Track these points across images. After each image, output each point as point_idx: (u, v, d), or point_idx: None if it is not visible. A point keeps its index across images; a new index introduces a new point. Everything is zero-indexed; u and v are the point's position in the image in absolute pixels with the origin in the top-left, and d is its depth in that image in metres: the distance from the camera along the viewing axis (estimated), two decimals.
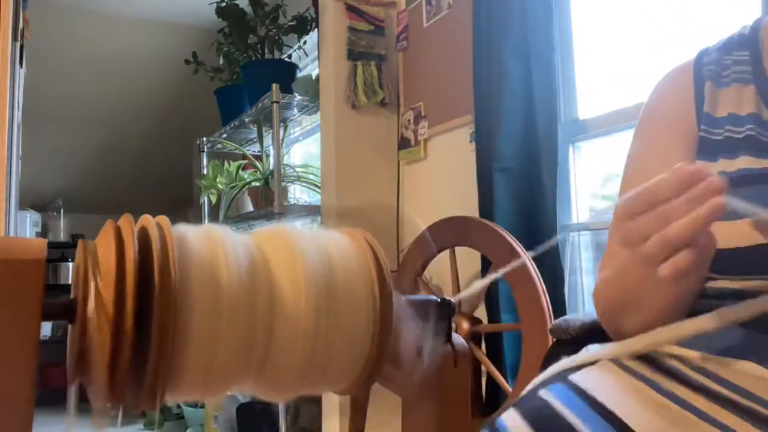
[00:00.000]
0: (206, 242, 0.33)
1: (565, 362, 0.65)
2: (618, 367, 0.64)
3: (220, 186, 3.07)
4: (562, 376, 0.63)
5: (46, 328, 3.95)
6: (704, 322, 0.59)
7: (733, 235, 0.61)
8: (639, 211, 0.52)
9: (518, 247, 1.50)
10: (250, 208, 2.98)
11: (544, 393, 0.60)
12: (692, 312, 0.63)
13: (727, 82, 0.73)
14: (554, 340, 1.11)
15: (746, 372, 0.58)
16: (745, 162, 0.66)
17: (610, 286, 0.74)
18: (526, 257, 1.48)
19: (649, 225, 0.52)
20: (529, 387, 0.63)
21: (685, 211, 0.50)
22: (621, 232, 0.54)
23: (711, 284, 0.66)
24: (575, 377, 0.62)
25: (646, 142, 0.78)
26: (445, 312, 0.38)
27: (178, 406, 3.13)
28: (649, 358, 0.64)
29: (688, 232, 0.50)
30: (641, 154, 0.78)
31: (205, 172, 3.25)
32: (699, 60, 0.77)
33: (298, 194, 3.11)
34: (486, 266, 1.68)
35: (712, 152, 0.70)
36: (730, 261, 0.62)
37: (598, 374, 0.63)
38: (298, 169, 3.01)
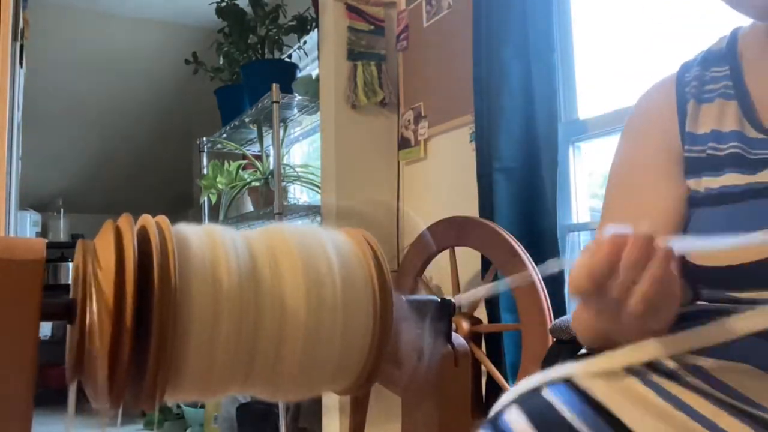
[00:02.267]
0: (206, 242, 0.33)
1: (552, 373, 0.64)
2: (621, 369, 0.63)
3: (220, 186, 3.06)
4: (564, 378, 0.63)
5: (47, 328, 3.94)
6: (653, 349, 0.61)
7: (741, 250, 0.60)
8: (592, 293, 0.54)
9: (518, 247, 1.50)
10: (250, 208, 2.98)
11: (546, 393, 0.59)
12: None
13: (710, 97, 0.72)
14: (554, 340, 1.11)
15: (747, 377, 0.57)
16: (729, 179, 0.66)
17: (581, 317, 0.75)
18: (531, 264, 1.48)
19: (610, 303, 0.53)
20: (528, 384, 0.62)
21: (631, 278, 0.52)
22: (592, 310, 0.56)
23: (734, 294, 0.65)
24: (578, 378, 0.62)
25: (631, 158, 0.78)
26: (445, 312, 0.38)
27: (178, 406, 3.13)
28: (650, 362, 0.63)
29: (653, 294, 0.51)
30: (625, 171, 0.78)
31: (205, 172, 3.25)
32: (681, 77, 0.76)
33: (298, 194, 3.10)
34: (486, 266, 1.68)
35: (697, 170, 0.70)
36: (742, 276, 0.62)
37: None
38: (298, 169, 3.01)
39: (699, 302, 0.69)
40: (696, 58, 0.77)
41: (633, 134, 0.79)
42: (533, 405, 0.58)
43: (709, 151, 0.69)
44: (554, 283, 1.55)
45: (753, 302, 0.62)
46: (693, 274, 0.66)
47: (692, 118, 0.72)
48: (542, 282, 1.46)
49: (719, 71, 0.73)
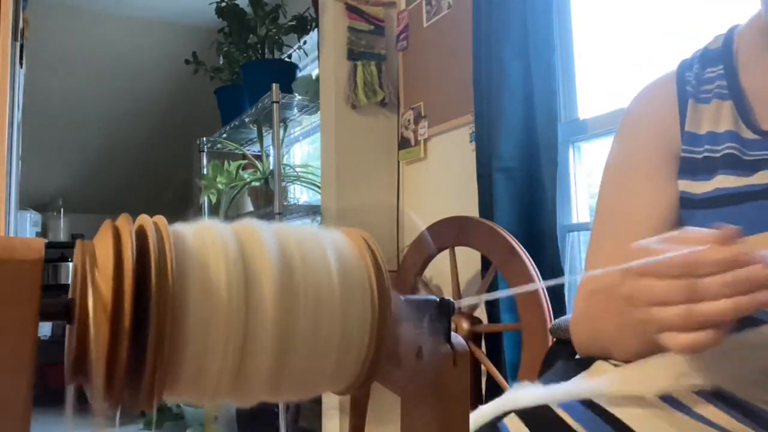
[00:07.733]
0: (204, 240, 0.33)
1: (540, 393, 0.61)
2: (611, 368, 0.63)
3: (220, 186, 3.07)
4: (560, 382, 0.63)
5: (46, 328, 3.94)
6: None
7: None
8: (668, 275, 0.47)
9: (518, 247, 1.50)
10: (250, 208, 2.98)
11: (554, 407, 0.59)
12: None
13: (707, 98, 0.71)
14: (554, 340, 1.12)
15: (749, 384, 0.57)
16: (721, 181, 0.65)
17: (584, 324, 0.72)
18: (530, 264, 1.48)
19: (676, 294, 0.46)
20: (527, 397, 0.61)
21: (721, 293, 0.45)
22: (635, 288, 0.48)
23: None
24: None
25: (627, 158, 0.76)
26: (444, 312, 0.38)
27: (178, 406, 3.13)
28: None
29: (722, 318, 0.45)
30: (621, 171, 0.76)
31: (205, 172, 3.25)
32: (681, 75, 0.75)
33: (298, 194, 3.11)
34: (486, 266, 1.68)
35: (694, 172, 0.69)
36: None
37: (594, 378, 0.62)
38: (298, 169, 3.01)
39: None
40: (694, 56, 0.76)
41: (628, 134, 0.78)
42: (531, 408, 0.58)
43: (705, 154, 0.68)
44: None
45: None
46: None
47: (692, 118, 0.71)
48: (540, 278, 1.46)
49: (714, 71, 0.72)
